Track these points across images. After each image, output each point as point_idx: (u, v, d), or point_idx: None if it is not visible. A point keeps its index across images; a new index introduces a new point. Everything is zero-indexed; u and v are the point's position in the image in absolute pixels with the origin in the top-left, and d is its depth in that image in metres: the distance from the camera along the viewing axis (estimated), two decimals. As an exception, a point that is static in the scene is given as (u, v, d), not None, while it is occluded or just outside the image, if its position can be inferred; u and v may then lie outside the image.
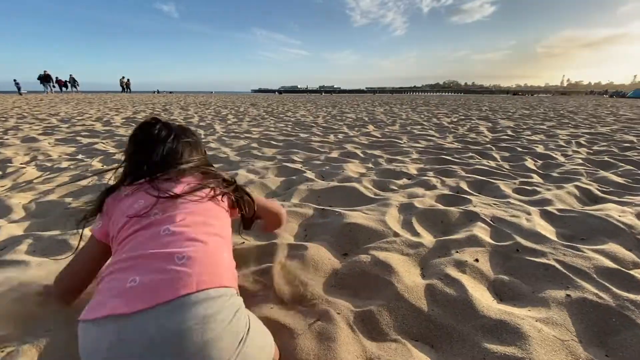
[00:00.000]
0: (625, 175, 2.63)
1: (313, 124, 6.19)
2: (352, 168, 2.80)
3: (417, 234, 1.57)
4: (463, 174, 2.67)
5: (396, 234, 1.52)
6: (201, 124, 6.31)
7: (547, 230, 1.62)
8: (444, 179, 2.49)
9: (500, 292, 1.17)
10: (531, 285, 1.19)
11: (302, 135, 4.77)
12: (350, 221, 1.60)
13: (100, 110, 8.66)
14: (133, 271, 0.67)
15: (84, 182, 2.31)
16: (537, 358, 0.81)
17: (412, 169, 2.82)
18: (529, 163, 3.05)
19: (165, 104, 12.62)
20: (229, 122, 6.62)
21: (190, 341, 0.58)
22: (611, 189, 2.29)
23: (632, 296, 1.06)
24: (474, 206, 1.89)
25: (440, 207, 1.89)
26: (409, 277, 1.18)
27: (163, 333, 0.58)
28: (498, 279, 1.23)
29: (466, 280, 1.17)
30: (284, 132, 5.14)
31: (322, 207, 1.84)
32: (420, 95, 41.41)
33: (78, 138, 4.35)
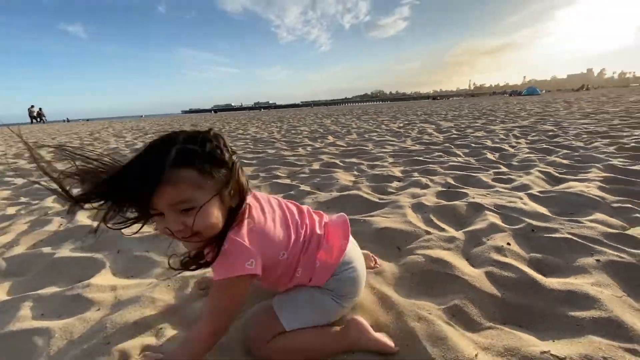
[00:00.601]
0: (567, 158, 3.12)
1: (273, 139, 6.13)
2: (343, 177, 2.85)
3: (443, 230, 1.67)
4: (443, 171, 2.90)
5: (427, 232, 1.60)
6: (150, 150, 5.81)
7: (543, 209, 1.85)
8: (430, 177, 2.68)
9: (541, 268, 1.31)
10: (562, 258, 1.35)
11: (269, 151, 4.70)
12: (382, 226, 1.64)
13: (12, 146, 7.44)
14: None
15: (52, 227, 1.98)
16: (619, 315, 0.93)
17: (397, 171, 2.98)
18: (490, 156, 3.44)
19: (92, 132, 11.34)
20: (181, 145, 6.22)
21: None
22: (564, 170, 2.70)
23: (644, 252, 1.28)
24: (473, 198, 2.07)
25: (445, 202, 2.03)
26: (466, 268, 1.26)
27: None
28: (533, 257, 1.37)
29: (514, 262, 1.28)
30: (248, 149, 5.00)
31: (342, 217, 1.84)
32: (355, 105, 43.74)
33: (6, 179, 3.68)
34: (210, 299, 0.84)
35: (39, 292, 1.27)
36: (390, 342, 0.90)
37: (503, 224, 1.65)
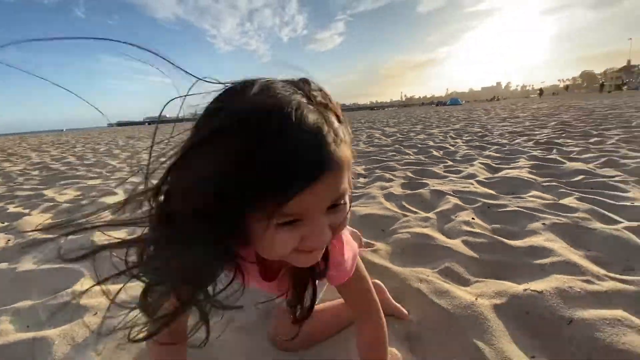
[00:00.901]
0: (499, 152, 3.63)
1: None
2: (311, 177, 2.95)
3: (416, 212, 1.86)
4: (401, 167, 3.17)
5: (404, 215, 1.78)
6: (86, 162, 5.26)
7: (491, 191, 2.17)
8: (392, 172, 2.92)
9: (502, 234, 1.55)
10: (516, 225, 1.61)
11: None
12: (364, 213, 1.78)
13: None
14: None
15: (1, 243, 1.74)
16: (571, 258, 1.17)
17: (360, 169, 3.18)
18: (436, 153, 3.84)
19: (2, 149, 9.82)
20: (124, 157, 5.74)
21: None
22: (499, 161, 3.15)
23: (574, 215, 1.60)
24: (433, 186, 2.32)
25: (411, 191, 2.25)
26: (445, 239, 1.44)
27: None
28: (494, 227, 1.61)
29: (481, 231, 1.50)
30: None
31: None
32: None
33: None
34: (358, 302, 0.73)
35: (14, 305, 1.13)
36: (404, 310, 1.00)
37: (464, 204, 1.90)
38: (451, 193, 2.13)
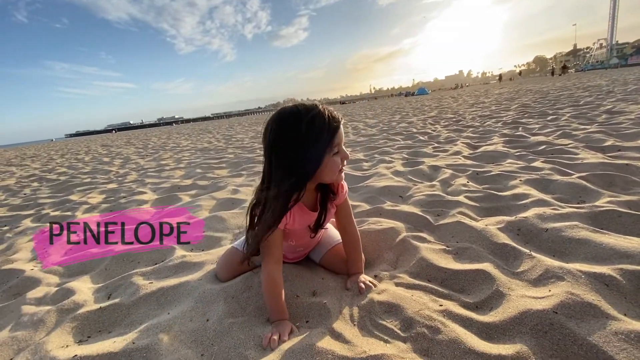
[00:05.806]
0: (475, 133, 4.19)
1: (220, 147, 6.22)
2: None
3: (423, 182, 2.30)
4: (395, 151, 3.63)
5: (415, 184, 2.22)
6: (83, 171, 5.32)
7: (476, 162, 2.66)
8: (390, 156, 3.36)
9: (492, 189, 2.01)
10: (500, 183, 2.09)
11: (228, 155, 4.87)
12: (382, 185, 2.19)
13: None
14: None
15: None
16: (544, 198, 1.65)
17: (361, 156, 3.60)
18: (421, 137, 4.35)
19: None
20: (112, 170, 5.81)
21: None
22: (477, 140, 3.69)
23: (541, 172, 2.10)
24: (429, 163, 2.79)
25: (412, 168, 2.70)
26: (452, 197, 1.88)
27: None
28: (485, 186, 2.08)
29: (476, 188, 1.97)
30: (207, 156, 5.06)
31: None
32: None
33: None
34: (345, 216, 1.19)
35: (134, 271, 1.42)
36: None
37: (458, 173, 2.37)
38: (444, 166, 2.60)
